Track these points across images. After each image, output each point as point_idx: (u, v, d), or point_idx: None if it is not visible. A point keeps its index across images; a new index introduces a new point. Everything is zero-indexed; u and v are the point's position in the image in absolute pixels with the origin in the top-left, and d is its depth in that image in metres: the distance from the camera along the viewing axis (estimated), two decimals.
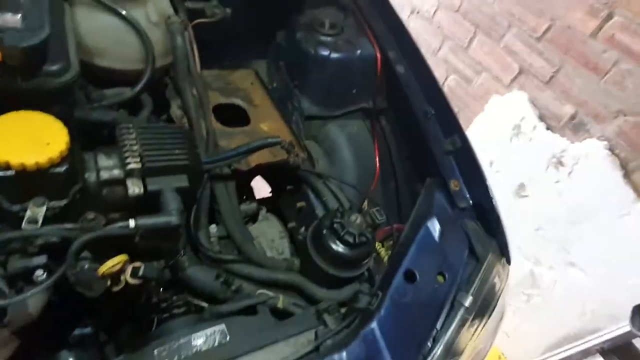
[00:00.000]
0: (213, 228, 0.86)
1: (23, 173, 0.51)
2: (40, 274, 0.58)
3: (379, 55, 1.04)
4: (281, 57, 1.10)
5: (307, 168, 1.00)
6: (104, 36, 0.71)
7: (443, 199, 0.82)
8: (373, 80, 1.06)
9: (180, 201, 0.63)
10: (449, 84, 2.12)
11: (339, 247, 0.75)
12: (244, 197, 1.11)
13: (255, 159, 0.92)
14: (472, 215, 0.79)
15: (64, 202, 0.56)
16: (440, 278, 0.69)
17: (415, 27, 2.19)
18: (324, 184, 0.99)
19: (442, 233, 0.72)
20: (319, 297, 0.78)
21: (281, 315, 0.76)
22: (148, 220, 0.58)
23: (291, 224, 1.04)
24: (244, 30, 1.03)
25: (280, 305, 0.76)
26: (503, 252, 0.74)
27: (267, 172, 1.09)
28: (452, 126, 0.91)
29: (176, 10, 0.81)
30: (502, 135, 1.80)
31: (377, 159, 1.13)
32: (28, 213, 0.53)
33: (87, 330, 0.84)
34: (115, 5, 0.70)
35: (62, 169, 0.53)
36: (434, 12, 2.09)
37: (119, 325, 0.87)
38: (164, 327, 0.75)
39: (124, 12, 0.70)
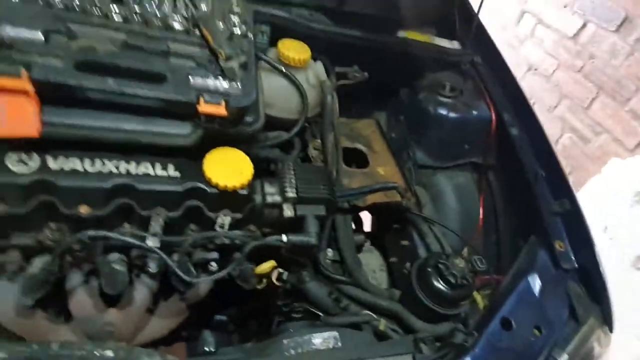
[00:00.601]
0: (329, 251, 1.02)
1: (224, 192, 0.72)
2: (214, 265, 0.79)
3: (494, 117, 1.13)
4: (402, 111, 1.26)
5: (414, 211, 1.12)
6: (275, 93, 0.93)
7: (546, 257, 0.86)
8: (486, 138, 1.15)
9: (318, 226, 0.80)
10: (563, 142, 2.07)
11: (441, 285, 0.85)
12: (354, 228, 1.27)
13: (371, 198, 1.07)
14: (576, 278, 0.82)
15: (240, 215, 0.77)
16: (536, 332, 0.74)
17: (531, 84, 2.19)
18: (429, 227, 1.09)
19: (542, 289, 0.77)
20: (416, 328, 0.87)
21: (380, 337, 0.87)
22: (295, 238, 0.76)
23: (393, 259, 1.16)
24: (371, 87, 1.21)
25: (381, 327, 0.87)
26: (606, 320, 0.76)
27: (378, 209, 1.23)
28: (562, 189, 0.95)
29: (328, 72, 1.02)
30: (621, 200, 1.70)
31: (482, 211, 1.20)
32: (219, 220, 0.74)
33: (223, 318, 1.05)
34: (287, 71, 0.92)
35: (246, 192, 0.74)
36: (553, 71, 2.08)
37: (245, 320, 1.06)
38: (282, 327, 0.91)
39: (293, 77, 0.92)
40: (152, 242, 0.67)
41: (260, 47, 0.95)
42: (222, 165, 0.73)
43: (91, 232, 0.63)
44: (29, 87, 0.59)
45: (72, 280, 0.73)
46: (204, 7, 0.81)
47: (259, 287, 0.81)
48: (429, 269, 0.88)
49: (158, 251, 0.67)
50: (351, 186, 1.06)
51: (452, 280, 0.84)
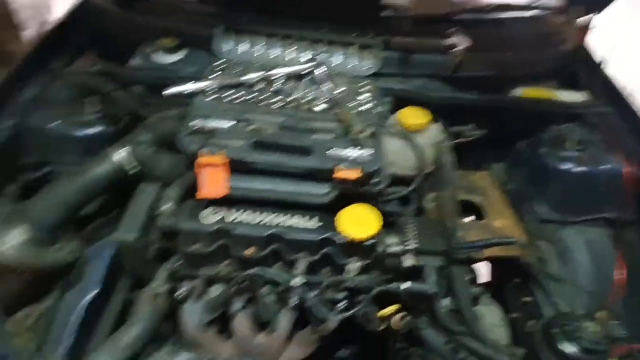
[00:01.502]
0: (446, 300, 1.07)
1: (353, 242, 0.86)
2: (341, 304, 0.91)
3: (627, 171, 1.07)
4: (520, 163, 1.27)
5: (537, 267, 1.10)
6: (396, 154, 1.06)
7: None
8: (619, 193, 1.09)
9: (437, 276, 0.88)
10: None
11: (571, 349, 0.83)
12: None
13: (488, 251, 1.10)
14: None
15: (367, 262, 0.89)
16: None
17: None
18: (555, 285, 1.06)
19: None
20: None
21: None
22: (415, 286, 0.85)
23: (514, 315, 1.14)
24: (488, 140, 1.26)
25: None
26: None
27: (497, 261, 1.23)
28: None
29: (445, 133, 1.11)
30: None
31: (621, 270, 1.11)
32: (349, 266, 0.88)
33: (345, 354, 1.16)
34: (410, 136, 1.05)
35: (372, 242, 0.87)
36: None
37: (364, 358, 1.16)
38: None
39: (411, 140, 1.05)
40: (297, 281, 0.83)
41: (383, 116, 1.11)
42: (353, 219, 0.87)
43: (254, 271, 0.83)
44: (223, 162, 0.83)
45: (235, 306, 0.93)
46: (340, 90, 1.00)
47: (379, 328, 0.91)
48: (556, 330, 0.86)
49: (300, 290, 0.82)
50: (467, 238, 1.10)
51: (583, 345, 0.82)
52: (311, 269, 0.88)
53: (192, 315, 0.93)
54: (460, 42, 1.26)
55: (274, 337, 0.93)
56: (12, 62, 1.15)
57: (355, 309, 0.86)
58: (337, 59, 1.15)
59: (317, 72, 1.04)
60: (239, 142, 0.86)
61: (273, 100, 0.96)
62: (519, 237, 1.14)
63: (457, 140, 1.13)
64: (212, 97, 0.95)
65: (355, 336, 1.11)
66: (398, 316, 0.88)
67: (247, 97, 0.96)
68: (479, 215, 1.26)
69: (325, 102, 0.98)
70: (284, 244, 0.87)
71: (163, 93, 0.93)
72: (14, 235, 0.84)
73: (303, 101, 0.97)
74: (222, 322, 0.95)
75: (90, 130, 1.07)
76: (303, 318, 0.96)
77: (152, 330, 0.84)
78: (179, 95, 0.95)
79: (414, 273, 0.89)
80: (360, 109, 0.99)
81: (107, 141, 1.06)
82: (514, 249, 1.07)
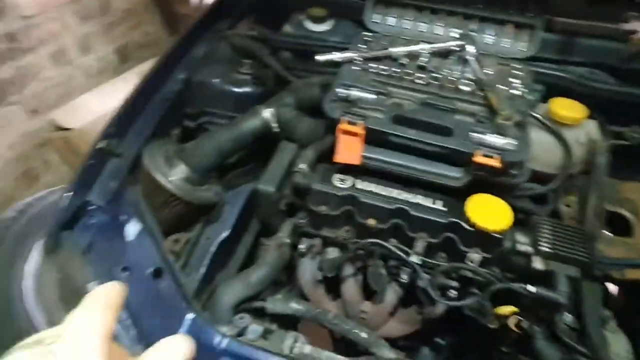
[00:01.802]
0: (568, 316, 0.97)
1: (479, 231, 0.83)
2: (453, 292, 0.89)
3: None
4: None
5: None
6: (540, 148, 0.97)
7: None
8: None
9: (568, 286, 0.80)
10: None
11: None
12: None
13: (632, 273, 0.96)
14: None
15: (489, 256, 0.85)
16: None
17: None
18: None
19: None
20: None
21: None
22: (544, 292, 0.79)
23: None
24: None
25: None
26: None
27: (635, 288, 1.07)
28: None
29: (602, 132, 0.98)
30: None
31: None
32: (469, 256, 0.85)
33: (442, 342, 1.14)
34: (556, 129, 0.95)
35: (500, 236, 0.82)
36: None
37: (463, 351, 1.12)
38: None
39: (560, 134, 0.95)
40: (414, 259, 0.84)
41: (532, 104, 1.01)
42: (483, 208, 0.83)
43: (375, 241, 0.85)
44: (361, 132, 0.85)
45: (347, 271, 0.98)
46: (489, 72, 0.95)
47: (491, 325, 0.87)
48: None
49: (417, 267, 0.83)
50: (608, 254, 0.98)
51: None
52: (428, 251, 0.87)
53: (308, 270, 1.00)
54: None
55: (379, 308, 0.96)
56: (183, 23, 1.33)
57: (470, 300, 0.83)
58: (488, 37, 1.08)
59: (466, 50, 0.99)
60: (379, 114, 0.87)
61: (417, 76, 0.95)
62: None
63: (615, 142, 0.99)
64: (358, 68, 0.98)
65: (456, 328, 1.09)
66: (514, 318, 0.83)
67: (392, 71, 0.96)
68: (623, 232, 1.10)
69: (471, 83, 0.94)
70: (407, 220, 0.87)
71: (315, 58, 0.98)
72: (177, 172, 1.00)
73: (448, 80, 0.94)
74: (332, 283, 1.01)
75: (243, 89, 1.18)
76: (409, 297, 0.97)
77: (275, 275, 0.94)
78: (329, 63, 0.99)
79: (541, 278, 0.82)
80: (508, 94, 0.92)
81: (256, 100, 1.17)
82: None
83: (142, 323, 0.77)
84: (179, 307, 0.77)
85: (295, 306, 0.91)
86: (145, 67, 2.25)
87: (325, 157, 0.95)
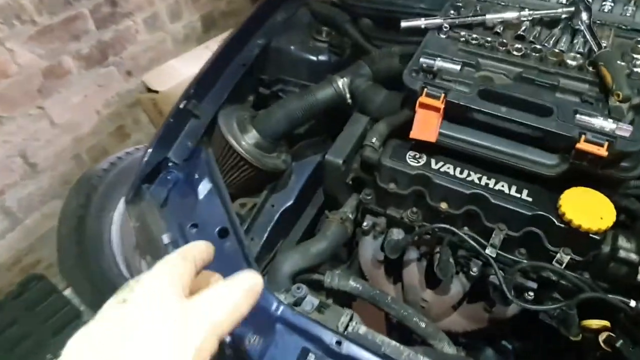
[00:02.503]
0: None
1: (572, 230, 0.71)
2: (530, 295, 0.80)
3: None
4: None
5: None
6: None
7: None
8: None
9: None
10: None
11: None
12: None
13: None
14: None
15: (580, 259, 0.74)
16: None
17: None
18: None
19: None
20: None
21: None
22: None
23: None
24: None
25: None
26: None
27: None
28: None
29: None
30: None
31: None
32: (558, 256, 0.74)
33: (508, 345, 1.04)
34: None
35: (599, 237, 0.71)
36: None
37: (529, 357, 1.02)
38: None
39: None
40: (490, 252, 0.75)
41: None
42: (580, 203, 0.72)
43: (447, 227, 0.78)
44: (441, 106, 0.77)
45: (411, 255, 0.92)
46: (604, 44, 0.80)
47: (573, 338, 0.77)
48: None
49: (492, 262, 0.74)
50: None
51: None
52: (505, 245, 0.78)
53: (369, 249, 0.96)
54: None
55: (442, 299, 0.89)
56: None
57: (552, 306, 0.73)
58: (607, 4, 0.91)
59: (578, 18, 0.85)
60: (464, 87, 0.78)
61: (514, 46, 0.83)
62: None
63: None
64: (446, 36, 0.88)
65: (526, 332, 0.98)
66: (605, 334, 0.71)
67: (484, 40, 0.85)
68: None
69: (580, 57, 0.80)
70: (484, 208, 0.79)
71: (401, 24, 0.91)
72: (248, 137, 1.00)
73: (551, 52, 0.81)
74: (393, 266, 0.96)
75: (319, 57, 1.15)
76: (476, 292, 0.89)
77: (335, 249, 0.91)
78: (413, 30, 0.91)
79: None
80: (628, 71, 0.77)
81: (332, 69, 1.14)
82: None
83: None
84: (241, 268, 0.78)
85: (353, 284, 0.88)
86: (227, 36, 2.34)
87: (400, 132, 0.89)
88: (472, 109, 0.75)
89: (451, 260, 0.83)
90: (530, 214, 0.75)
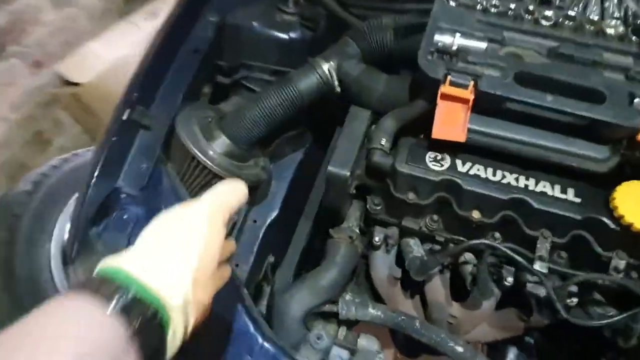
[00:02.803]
0: None
1: (630, 231, 0.62)
2: (572, 301, 0.71)
3: None
4: None
5: None
6: None
7: None
8: None
9: None
10: None
11: None
12: None
13: None
14: None
15: (637, 262, 0.65)
16: None
17: None
18: None
19: None
20: None
21: None
22: None
23: None
24: None
25: None
26: None
27: None
28: None
29: None
30: None
31: None
32: (613, 262, 0.65)
33: (531, 341, 0.98)
34: None
35: None
36: None
37: (555, 354, 0.96)
38: None
39: None
40: (540, 267, 0.64)
41: None
42: (636, 199, 0.62)
43: (489, 242, 0.65)
44: (471, 97, 0.62)
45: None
46: None
47: (624, 346, 0.70)
48: None
49: (544, 278, 0.63)
50: None
51: None
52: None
53: (383, 265, 0.82)
54: None
55: (473, 314, 0.79)
56: None
57: (617, 318, 0.64)
58: None
59: None
60: (496, 71, 0.63)
61: (542, 14, 0.69)
62: None
63: None
64: (457, 3, 0.71)
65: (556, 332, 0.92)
66: None
67: (507, 7, 0.70)
68: None
69: (620, 24, 0.67)
70: (524, 214, 0.67)
71: None
72: (217, 146, 0.80)
73: (587, 19, 0.68)
74: (410, 278, 0.83)
75: (289, 34, 0.93)
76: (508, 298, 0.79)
77: (348, 276, 0.76)
78: None
79: None
80: None
81: (307, 48, 0.93)
82: None
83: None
84: (230, 305, 0.60)
85: (373, 312, 0.74)
86: (155, 7, 1.97)
87: (412, 128, 0.73)
88: (512, 99, 0.61)
89: (488, 277, 0.71)
90: (580, 217, 0.64)
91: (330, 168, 0.70)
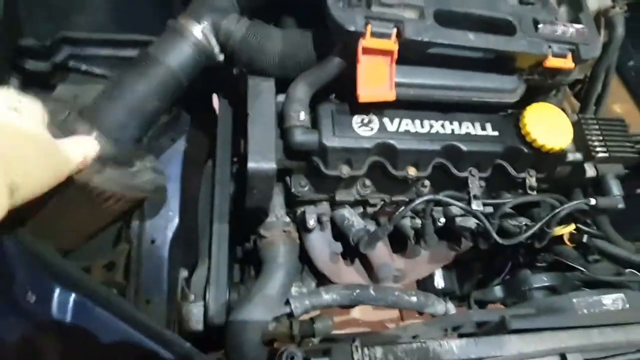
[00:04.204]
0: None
1: (540, 152, 0.67)
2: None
3: None
4: None
5: None
6: None
7: None
8: None
9: (621, 188, 0.73)
10: None
11: None
12: None
13: None
14: None
15: (542, 175, 0.72)
16: None
17: None
18: None
19: None
20: None
21: None
22: (603, 201, 0.71)
23: None
24: None
25: None
26: None
27: None
28: None
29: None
30: None
31: None
32: (528, 182, 0.70)
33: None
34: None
35: (562, 153, 0.68)
36: None
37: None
38: (522, 272, 0.91)
39: None
40: (476, 206, 0.66)
41: None
42: (543, 123, 0.66)
43: (432, 197, 0.63)
44: (395, 48, 0.54)
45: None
46: None
47: (536, 244, 0.80)
48: None
49: (482, 217, 0.65)
50: None
51: None
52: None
53: (323, 245, 0.75)
54: None
55: (415, 262, 0.80)
56: None
57: (534, 229, 0.70)
58: None
59: None
60: (415, 13, 0.56)
61: None
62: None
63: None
64: None
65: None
66: (570, 232, 0.75)
67: None
68: None
69: None
70: (454, 159, 0.66)
71: None
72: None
73: None
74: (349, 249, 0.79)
75: None
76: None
77: (295, 271, 0.67)
78: None
79: (594, 184, 0.74)
80: None
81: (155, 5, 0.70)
82: None
83: None
84: None
85: (327, 297, 0.68)
86: None
87: (326, 90, 0.62)
88: (438, 44, 0.55)
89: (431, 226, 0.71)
90: (501, 149, 0.66)
91: (251, 165, 0.56)
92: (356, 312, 1.42)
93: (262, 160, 0.56)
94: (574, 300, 0.76)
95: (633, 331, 0.69)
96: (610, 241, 0.89)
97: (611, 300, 0.76)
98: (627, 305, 0.76)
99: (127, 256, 0.70)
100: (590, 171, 0.73)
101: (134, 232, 0.72)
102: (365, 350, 0.61)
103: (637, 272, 0.86)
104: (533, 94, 0.70)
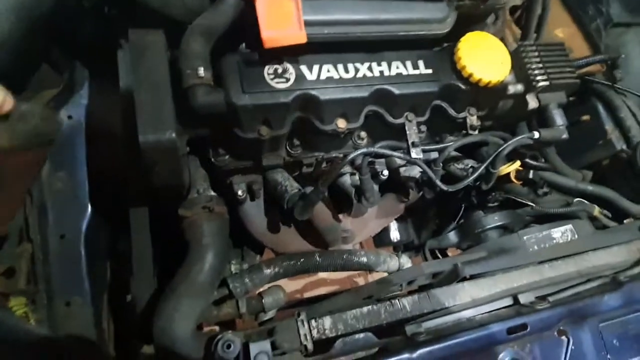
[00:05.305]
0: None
1: (479, 87, 0.61)
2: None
3: None
4: None
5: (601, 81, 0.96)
6: None
7: None
8: None
9: (564, 117, 0.70)
10: None
11: None
12: None
13: None
14: None
15: (483, 113, 0.67)
16: None
17: None
18: (620, 98, 0.95)
19: None
20: (633, 212, 0.83)
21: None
22: (547, 133, 0.67)
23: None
24: None
25: (595, 214, 0.83)
26: None
27: None
28: None
29: None
30: None
31: None
32: (468, 121, 0.65)
33: None
34: None
35: (502, 86, 0.62)
36: None
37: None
38: (475, 213, 0.89)
39: None
40: (416, 154, 0.60)
41: None
42: (479, 55, 0.60)
43: (368, 150, 0.56)
44: None
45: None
46: None
47: (482, 186, 0.76)
48: None
49: (422, 164, 0.60)
50: None
51: None
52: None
53: (258, 215, 0.68)
54: None
55: (362, 220, 0.75)
56: None
57: (480, 170, 0.66)
58: None
59: None
60: None
61: None
62: (582, 47, 0.98)
63: None
64: None
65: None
66: (516, 170, 0.72)
67: None
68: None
69: None
70: (387, 105, 0.59)
71: None
72: None
73: None
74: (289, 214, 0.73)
75: None
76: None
77: (225, 249, 0.60)
78: None
79: (538, 115, 0.70)
80: None
81: None
82: None
83: None
84: None
85: (269, 271, 0.63)
86: None
87: (230, 40, 0.53)
88: None
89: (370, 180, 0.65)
90: (437, 89, 0.60)
91: (142, 138, 0.46)
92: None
93: (156, 131, 0.47)
94: (524, 237, 0.74)
95: (582, 260, 0.69)
96: (557, 172, 0.88)
97: (560, 233, 0.75)
98: (576, 236, 0.76)
99: (30, 258, 0.61)
100: (532, 102, 0.68)
101: (34, 230, 0.62)
102: (313, 322, 0.56)
103: (584, 201, 0.85)
104: (467, 23, 0.63)
